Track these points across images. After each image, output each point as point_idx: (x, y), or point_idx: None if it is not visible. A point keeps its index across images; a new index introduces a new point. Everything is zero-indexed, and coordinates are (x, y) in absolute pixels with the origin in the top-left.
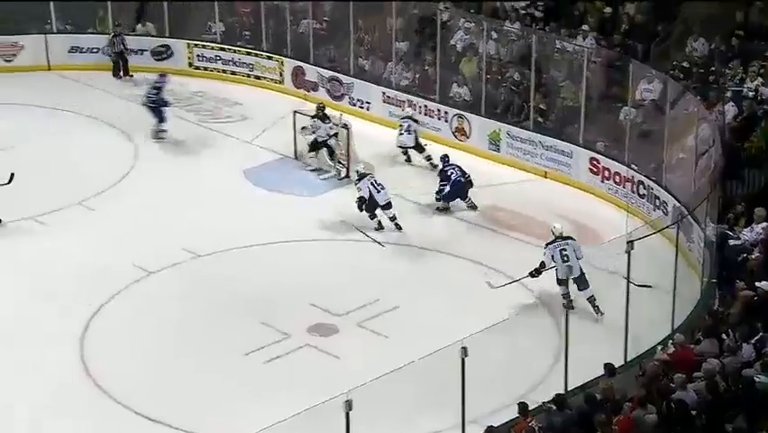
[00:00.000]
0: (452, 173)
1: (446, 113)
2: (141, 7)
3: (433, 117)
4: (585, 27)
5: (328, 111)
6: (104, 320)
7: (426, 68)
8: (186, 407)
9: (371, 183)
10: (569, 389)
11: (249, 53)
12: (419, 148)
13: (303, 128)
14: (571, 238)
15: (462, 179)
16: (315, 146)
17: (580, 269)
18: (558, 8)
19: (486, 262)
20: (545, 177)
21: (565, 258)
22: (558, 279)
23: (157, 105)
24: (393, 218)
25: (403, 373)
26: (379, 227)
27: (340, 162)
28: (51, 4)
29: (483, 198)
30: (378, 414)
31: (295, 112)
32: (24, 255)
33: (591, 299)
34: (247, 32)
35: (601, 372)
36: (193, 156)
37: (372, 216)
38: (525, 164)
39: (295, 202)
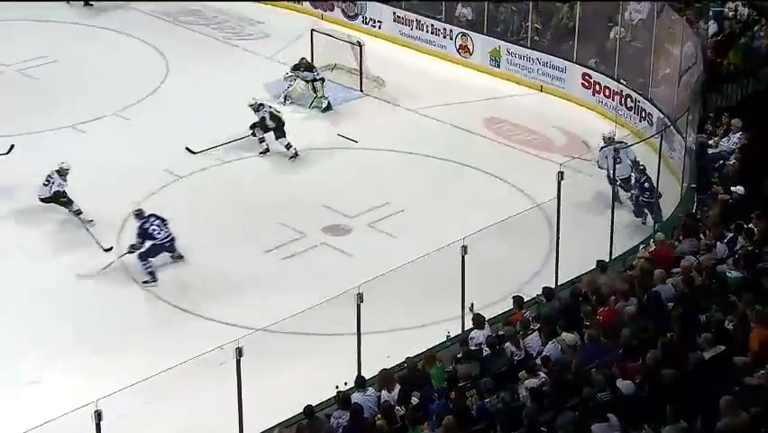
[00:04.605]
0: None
1: (451, 31)
2: None
3: (438, 35)
4: None
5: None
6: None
7: None
8: (210, 297)
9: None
10: (560, 283)
11: None
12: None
13: (287, 76)
14: (622, 142)
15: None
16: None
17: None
18: None
19: (486, 169)
20: (541, 90)
21: (618, 161)
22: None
23: None
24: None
25: (409, 269)
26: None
27: (324, 97)
28: None
29: (485, 111)
30: (386, 306)
31: (312, 30)
32: (66, 160)
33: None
34: None
35: (590, 267)
36: (219, 71)
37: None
38: (523, 79)
39: (311, 113)
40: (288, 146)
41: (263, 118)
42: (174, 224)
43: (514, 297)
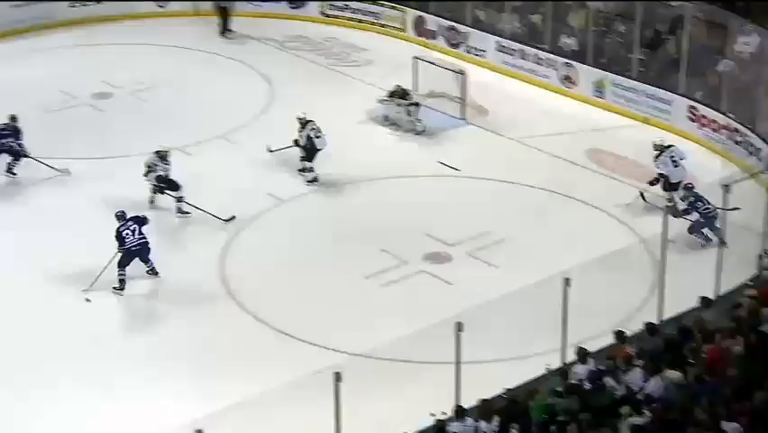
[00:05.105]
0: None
1: (555, 61)
2: None
3: (543, 65)
4: None
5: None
6: (241, 243)
7: (535, 20)
8: (311, 322)
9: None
10: (663, 318)
11: (375, 3)
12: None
13: (382, 101)
14: (672, 145)
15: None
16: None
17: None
18: None
19: (589, 200)
20: (646, 123)
21: (675, 163)
22: (668, 184)
23: None
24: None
25: (510, 300)
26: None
27: (418, 120)
28: None
29: (588, 142)
30: (485, 336)
31: (415, 58)
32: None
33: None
34: None
35: (693, 303)
36: (322, 97)
37: None
38: (628, 111)
39: (413, 141)
40: (310, 170)
41: (298, 139)
42: (275, 247)
43: (616, 331)
